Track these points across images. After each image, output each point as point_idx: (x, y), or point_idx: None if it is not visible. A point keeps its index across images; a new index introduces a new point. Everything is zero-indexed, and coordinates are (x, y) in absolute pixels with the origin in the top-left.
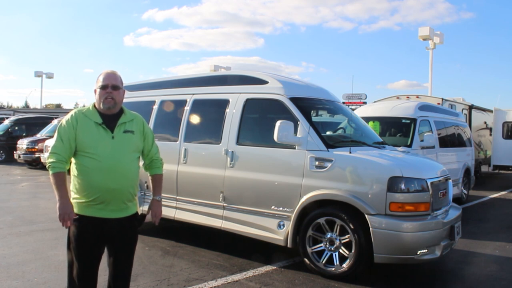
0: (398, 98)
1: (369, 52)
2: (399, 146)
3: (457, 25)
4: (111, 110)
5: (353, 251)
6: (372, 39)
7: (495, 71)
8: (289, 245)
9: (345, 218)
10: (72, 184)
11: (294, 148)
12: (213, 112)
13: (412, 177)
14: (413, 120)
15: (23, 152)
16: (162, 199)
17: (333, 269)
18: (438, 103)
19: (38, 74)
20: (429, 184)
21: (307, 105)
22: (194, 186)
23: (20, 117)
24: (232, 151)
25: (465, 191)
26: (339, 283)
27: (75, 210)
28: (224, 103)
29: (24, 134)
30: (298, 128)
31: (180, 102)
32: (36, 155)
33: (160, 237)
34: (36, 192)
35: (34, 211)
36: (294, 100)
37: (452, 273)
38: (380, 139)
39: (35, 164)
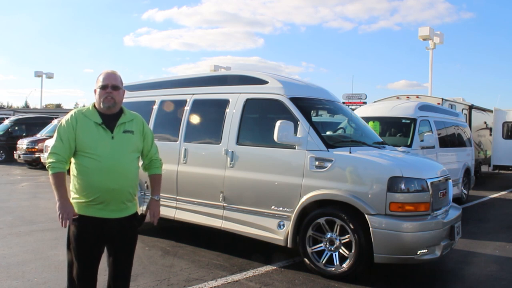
0: (398, 98)
1: (369, 52)
2: (399, 146)
3: (457, 25)
4: (110, 110)
5: (353, 251)
6: (372, 39)
7: (495, 71)
8: (289, 245)
9: (345, 218)
10: (72, 184)
11: (294, 148)
12: (213, 112)
13: (412, 177)
14: (413, 120)
15: (23, 152)
16: (162, 199)
17: (333, 269)
18: (438, 103)
19: (38, 74)
20: (429, 184)
21: (307, 105)
22: (194, 186)
23: (20, 117)
24: (232, 151)
25: (465, 191)
26: (339, 283)
27: (75, 210)
28: (224, 103)
29: (24, 134)
30: (298, 128)
31: (180, 102)
32: (36, 155)
33: (160, 237)
34: (36, 192)
35: (34, 211)
36: (294, 100)
37: (452, 273)
38: (380, 139)
39: (35, 164)
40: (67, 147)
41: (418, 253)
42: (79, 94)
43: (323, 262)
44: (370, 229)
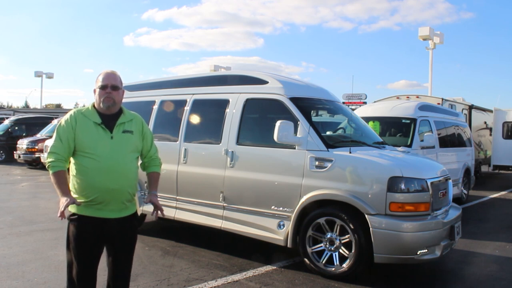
0: (398, 98)
1: (369, 52)
2: (399, 146)
3: (457, 25)
4: (110, 110)
5: (353, 251)
6: (372, 39)
7: (495, 71)
8: (289, 245)
9: (345, 218)
10: (71, 184)
11: (294, 148)
12: (213, 112)
13: (412, 177)
14: (413, 120)
15: (23, 152)
16: (163, 199)
17: (333, 269)
18: (438, 103)
19: (38, 74)
20: (429, 184)
21: (307, 105)
22: (194, 186)
23: (20, 117)
24: (232, 151)
25: (465, 191)
26: (339, 283)
27: (75, 210)
28: (224, 103)
29: (24, 134)
30: (298, 128)
31: (180, 102)
32: (36, 155)
33: (160, 237)
34: (36, 192)
35: (34, 211)
36: (294, 100)
37: (452, 273)
38: (380, 139)
39: (35, 164)
40: (66, 147)
41: (418, 253)
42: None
43: (323, 262)
44: (370, 229)
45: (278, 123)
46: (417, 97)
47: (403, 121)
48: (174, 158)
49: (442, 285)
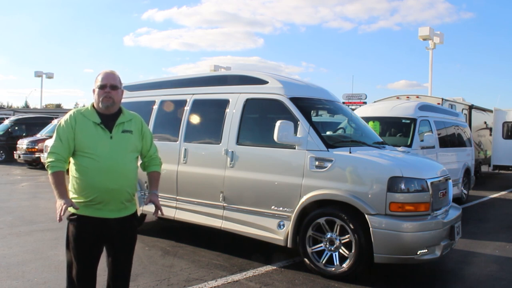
0: (398, 98)
1: (369, 52)
2: (399, 146)
3: (457, 25)
4: (109, 110)
5: (353, 251)
6: (372, 39)
7: (495, 71)
8: (289, 245)
9: (345, 218)
10: (71, 184)
11: (294, 148)
12: (213, 112)
13: (412, 177)
14: (413, 120)
15: (23, 152)
16: (163, 199)
17: (333, 269)
18: (438, 103)
19: (38, 74)
20: (429, 184)
21: (307, 105)
22: (194, 186)
23: (20, 117)
24: (232, 151)
25: (465, 191)
26: (339, 283)
27: (74, 210)
28: (224, 103)
29: (24, 134)
30: (298, 128)
31: (180, 102)
32: (36, 155)
33: (160, 237)
34: (36, 192)
35: (34, 211)
36: (294, 100)
37: (452, 273)
38: (380, 139)
39: (35, 164)
40: (66, 147)
41: (418, 253)
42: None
43: (323, 262)
44: (370, 229)
45: (278, 123)
46: (417, 97)
47: (403, 121)
48: (174, 158)
49: (442, 285)
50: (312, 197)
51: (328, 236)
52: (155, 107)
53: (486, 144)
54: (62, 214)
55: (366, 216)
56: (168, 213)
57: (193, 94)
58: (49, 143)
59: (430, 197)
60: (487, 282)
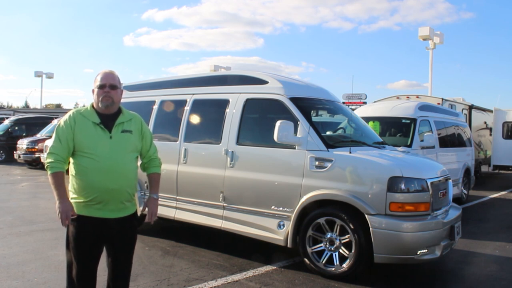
0: (398, 98)
1: (369, 52)
2: (399, 146)
3: (457, 25)
4: (109, 109)
5: (353, 251)
6: (372, 39)
7: (495, 71)
8: (289, 245)
9: (345, 218)
10: (71, 184)
11: (294, 148)
12: (213, 112)
13: (412, 177)
14: (413, 120)
15: (23, 152)
16: (163, 199)
17: (333, 269)
18: (438, 103)
19: (38, 74)
20: (429, 184)
21: (307, 105)
22: (194, 186)
23: (20, 117)
24: (232, 151)
25: (465, 191)
26: (339, 283)
27: (74, 210)
28: (224, 103)
29: (24, 134)
30: (298, 128)
31: (180, 102)
32: (36, 155)
33: (160, 237)
34: (36, 192)
35: (34, 211)
36: (294, 100)
37: (452, 273)
38: (380, 139)
39: (35, 164)
40: (66, 147)
41: (418, 253)
42: (79, 94)
43: (323, 262)
44: (370, 229)
45: (278, 123)
46: (417, 97)
47: (403, 121)
48: (174, 158)
49: (442, 285)
50: (312, 197)
51: (328, 236)
52: (155, 107)
53: (486, 144)
54: (66, 222)
55: (366, 216)
56: (168, 213)
57: (193, 94)
58: (49, 143)
59: (430, 197)
60: (487, 282)
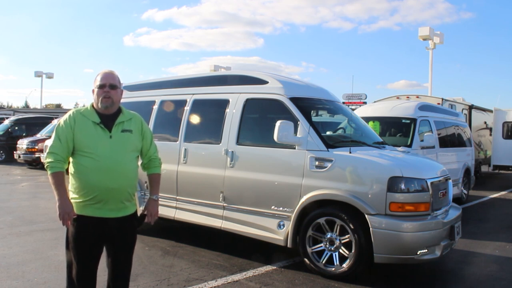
0: (398, 98)
1: (369, 52)
2: (399, 146)
3: (457, 25)
4: (108, 110)
5: (353, 251)
6: (372, 39)
7: (495, 71)
8: (289, 245)
9: (345, 218)
10: (70, 183)
11: (294, 148)
12: (213, 112)
13: (412, 177)
14: (413, 120)
15: (23, 152)
16: (162, 199)
17: (333, 269)
18: (438, 103)
19: (38, 74)
20: (429, 184)
21: (307, 105)
22: (194, 186)
23: (20, 117)
24: (232, 151)
25: (465, 191)
26: (339, 283)
27: (74, 209)
28: (224, 103)
29: (24, 134)
30: (298, 128)
31: (180, 102)
32: (36, 155)
33: (160, 237)
34: (36, 192)
35: (34, 211)
36: (294, 100)
37: (452, 273)
38: (380, 139)
39: (35, 164)
40: (65, 147)
41: (418, 253)
42: (79, 94)
43: (323, 262)
44: (370, 229)
45: (278, 123)
46: (417, 97)
47: (403, 121)
48: (174, 158)
49: (442, 285)
50: (312, 197)
51: (328, 236)
52: (155, 107)
53: (486, 144)
54: (68, 223)
55: (366, 216)
56: (168, 213)
57: (193, 94)
58: (49, 143)
59: (430, 197)
60: (487, 282)
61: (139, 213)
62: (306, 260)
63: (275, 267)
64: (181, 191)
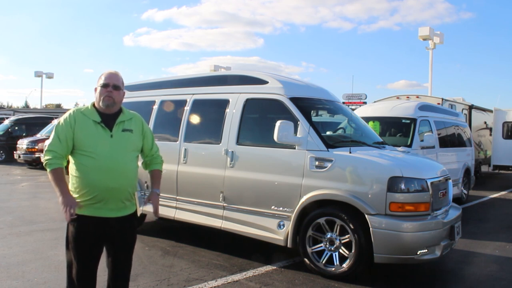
0: (398, 98)
1: (369, 52)
2: (399, 146)
3: (457, 25)
4: (109, 109)
5: (353, 251)
6: (372, 39)
7: (495, 71)
8: (289, 245)
9: (345, 218)
10: (71, 183)
11: (294, 148)
12: (213, 112)
13: (412, 177)
14: (413, 120)
15: (23, 152)
16: (162, 199)
17: (333, 269)
18: (438, 103)
19: (38, 74)
20: (429, 184)
21: (307, 105)
22: (194, 186)
23: (20, 117)
24: (232, 151)
25: (465, 191)
26: (339, 283)
27: (78, 210)
28: (224, 103)
29: (24, 134)
30: (298, 128)
31: (180, 102)
32: (36, 155)
33: (160, 237)
34: (36, 192)
35: (34, 211)
36: (294, 100)
37: (452, 273)
38: (380, 139)
39: (35, 164)
40: (65, 146)
41: (418, 253)
42: (79, 94)
43: (323, 262)
44: (370, 229)
45: (278, 123)
46: (417, 97)
47: (403, 121)
48: (174, 158)
49: (442, 285)
50: (312, 197)
51: (328, 236)
52: (155, 107)
53: (486, 144)
54: (71, 215)
55: (366, 216)
56: (168, 213)
57: (193, 94)
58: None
59: (430, 197)
60: (487, 282)
61: (139, 213)
62: (306, 260)
63: (275, 267)
64: (181, 191)
